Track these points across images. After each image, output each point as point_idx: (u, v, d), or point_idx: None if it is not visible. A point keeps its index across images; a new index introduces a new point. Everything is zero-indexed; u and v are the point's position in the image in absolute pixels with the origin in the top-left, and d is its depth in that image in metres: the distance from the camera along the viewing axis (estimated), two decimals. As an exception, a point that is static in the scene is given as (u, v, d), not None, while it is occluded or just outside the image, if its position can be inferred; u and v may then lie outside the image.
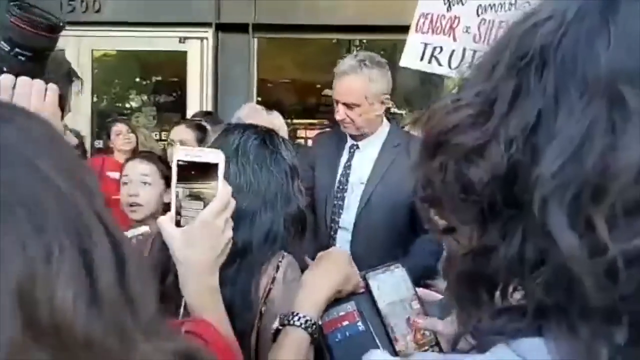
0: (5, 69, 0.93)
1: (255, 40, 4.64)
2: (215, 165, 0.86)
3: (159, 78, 5.33)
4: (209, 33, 4.54)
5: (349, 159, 2.19)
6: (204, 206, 0.85)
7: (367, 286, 1.11)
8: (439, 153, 0.45)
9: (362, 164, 2.16)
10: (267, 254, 1.17)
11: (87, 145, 4.44)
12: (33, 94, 0.91)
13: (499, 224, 0.42)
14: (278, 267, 1.16)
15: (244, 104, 2.96)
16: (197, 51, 4.67)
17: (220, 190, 0.87)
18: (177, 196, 0.86)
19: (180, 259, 0.87)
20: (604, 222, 0.36)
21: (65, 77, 1.18)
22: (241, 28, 4.48)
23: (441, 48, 3.16)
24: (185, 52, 4.70)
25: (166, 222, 0.87)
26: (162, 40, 4.71)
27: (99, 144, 4.45)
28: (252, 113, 2.60)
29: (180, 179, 0.86)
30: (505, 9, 2.98)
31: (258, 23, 4.44)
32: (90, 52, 4.79)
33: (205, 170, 0.86)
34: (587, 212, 0.36)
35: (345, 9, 4.39)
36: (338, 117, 2.10)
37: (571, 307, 0.38)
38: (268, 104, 3.30)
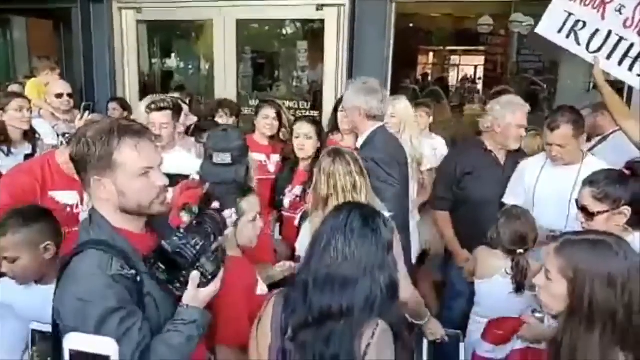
0: (148, 276, 1.29)
1: (394, 4, 4.47)
2: (107, 358, 0.81)
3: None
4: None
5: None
6: None
7: None
8: None
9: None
10: (366, 317, 1.34)
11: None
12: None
13: None
14: (373, 334, 1.32)
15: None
16: (334, 18, 4.64)
17: None
18: None
19: None
20: None
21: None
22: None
23: (584, 23, 2.67)
24: (322, 20, 4.71)
25: None
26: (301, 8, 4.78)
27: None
28: None
29: None
30: None
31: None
32: (234, 22, 5.01)
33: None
34: None
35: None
36: None
37: None
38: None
